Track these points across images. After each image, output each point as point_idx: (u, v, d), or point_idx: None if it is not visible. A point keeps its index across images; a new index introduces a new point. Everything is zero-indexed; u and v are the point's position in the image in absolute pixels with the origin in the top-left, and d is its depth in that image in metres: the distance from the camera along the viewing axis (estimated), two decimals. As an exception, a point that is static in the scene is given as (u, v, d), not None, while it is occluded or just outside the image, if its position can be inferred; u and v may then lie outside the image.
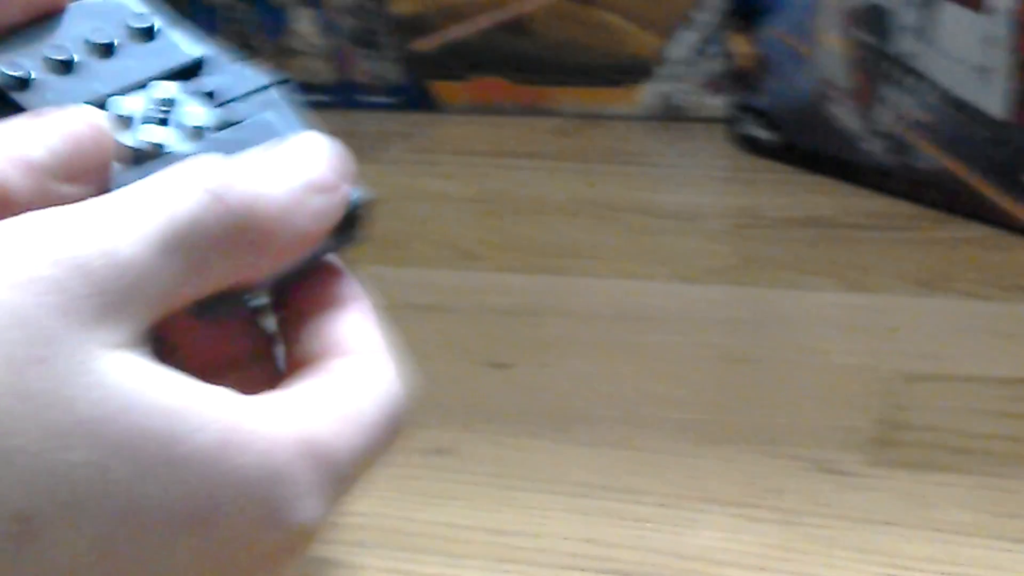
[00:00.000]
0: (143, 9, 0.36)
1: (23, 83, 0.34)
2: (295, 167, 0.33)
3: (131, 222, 0.28)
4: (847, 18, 0.96)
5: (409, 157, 1.12)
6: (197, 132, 0.34)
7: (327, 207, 0.33)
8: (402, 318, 0.80)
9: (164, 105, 0.34)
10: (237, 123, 0.34)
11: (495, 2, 1.19)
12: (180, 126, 0.34)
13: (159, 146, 0.33)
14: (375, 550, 0.57)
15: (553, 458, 0.64)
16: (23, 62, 0.34)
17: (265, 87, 0.36)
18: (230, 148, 0.33)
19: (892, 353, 0.73)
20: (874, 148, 0.96)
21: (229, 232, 0.30)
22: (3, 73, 0.34)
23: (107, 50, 0.35)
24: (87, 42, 0.35)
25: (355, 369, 0.33)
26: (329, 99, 1.24)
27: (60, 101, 0.33)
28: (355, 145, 1.17)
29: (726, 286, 0.83)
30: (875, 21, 0.94)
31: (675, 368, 0.72)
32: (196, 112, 0.34)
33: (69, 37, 0.35)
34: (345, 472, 0.31)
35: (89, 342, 0.27)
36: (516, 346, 0.76)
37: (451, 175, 1.06)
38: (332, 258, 0.35)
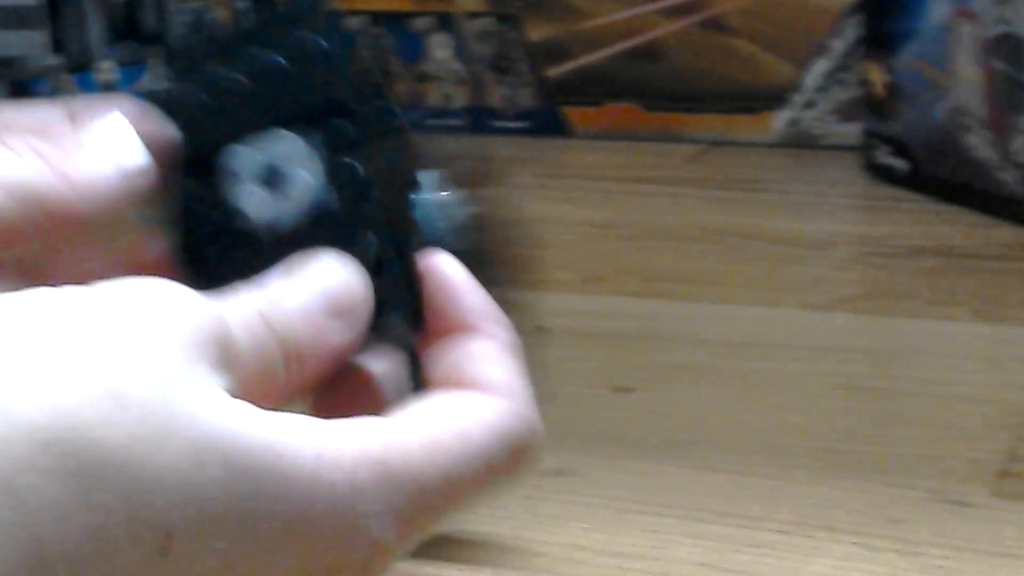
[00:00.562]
0: None
1: None
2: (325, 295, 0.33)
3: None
4: (983, 47, 0.95)
5: (540, 182, 1.13)
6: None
7: (354, 326, 0.33)
8: (530, 341, 0.81)
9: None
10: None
11: (628, 29, 1.20)
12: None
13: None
14: (494, 569, 0.57)
15: (673, 482, 0.64)
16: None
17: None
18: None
19: (1020, 385, 0.72)
20: (1008, 178, 0.95)
21: (274, 361, 0.32)
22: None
23: None
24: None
25: (473, 400, 0.32)
26: (462, 123, 1.26)
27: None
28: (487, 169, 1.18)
29: (854, 315, 0.83)
30: (1012, 50, 0.93)
31: (800, 396, 0.72)
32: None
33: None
34: (431, 496, 0.30)
35: (209, 379, 0.29)
36: (640, 371, 0.76)
37: (581, 200, 1.07)
38: (452, 264, 0.35)
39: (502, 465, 0.32)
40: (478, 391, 0.33)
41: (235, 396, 0.29)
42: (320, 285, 0.32)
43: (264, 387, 0.31)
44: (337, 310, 0.32)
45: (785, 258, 0.92)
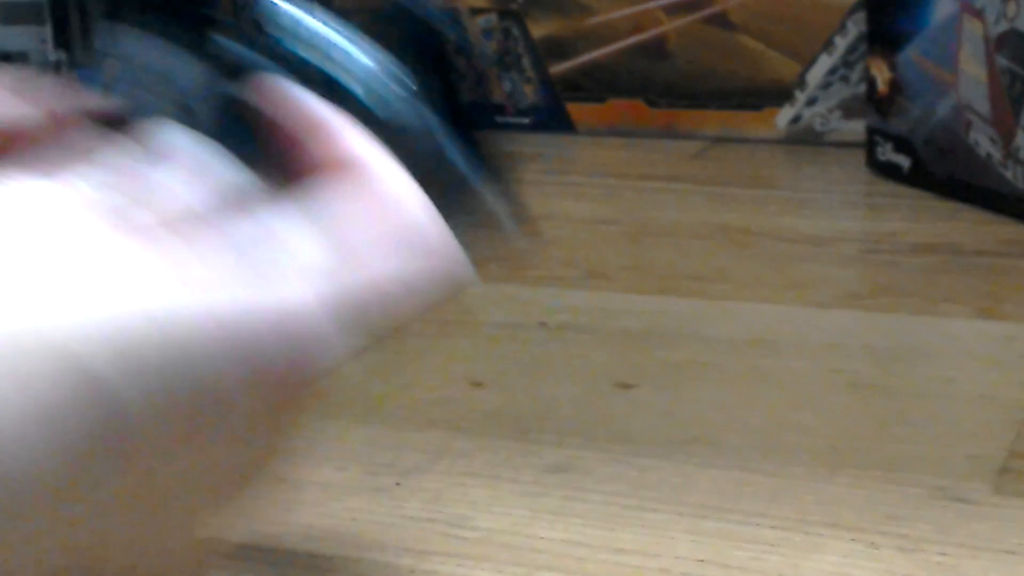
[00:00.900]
0: None
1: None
2: None
3: None
4: (989, 45, 0.95)
5: (544, 178, 1.13)
6: None
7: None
8: (532, 336, 0.80)
9: None
10: None
11: (633, 25, 1.20)
12: None
13: None
14: (494, 565, 0.57)
15: (675, 479, 0.64)
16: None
17: None
18: None
19: (1023, 383, 0.72)
20: (1012, 175, 0.95)
21: None
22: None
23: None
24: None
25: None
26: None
27: None
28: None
29: (858, 312, 0.83)
30: (1016, 47, 0.93)
31: (802, 394, 0.72)
32: None
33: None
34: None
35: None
36: (643, 367, 0.76)
37: (585, 196, 1.07)
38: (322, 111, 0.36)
39: None
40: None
41: None
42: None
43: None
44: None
45: (788, 255, 0.92)
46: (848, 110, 1.14)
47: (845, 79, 1.14)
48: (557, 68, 1.23)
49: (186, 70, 0.35)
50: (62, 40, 1.21)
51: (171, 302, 0.29)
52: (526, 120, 1.24)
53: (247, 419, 0.30)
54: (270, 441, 0.32)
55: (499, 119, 1.25)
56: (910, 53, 1.02)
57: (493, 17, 1.24)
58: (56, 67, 1.21)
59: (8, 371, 0.26)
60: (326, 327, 0.32)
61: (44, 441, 0.27)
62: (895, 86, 1.04)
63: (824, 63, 1.15)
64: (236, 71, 0.36)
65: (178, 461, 0.29)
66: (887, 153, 1.05)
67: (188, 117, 0.34)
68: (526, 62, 1.24)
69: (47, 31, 1.20)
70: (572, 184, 1.11)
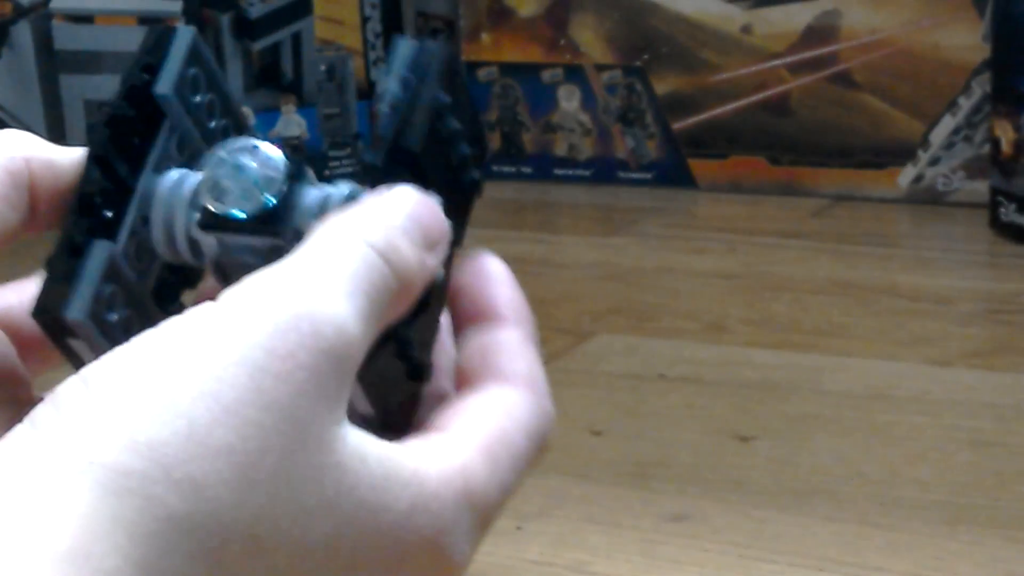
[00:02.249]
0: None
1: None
2: (419, 225, 0.34)
3: (342, 293, 0.31)
4: (1114, 105, 0.94)
5: (665, 232, 1.14)
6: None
7: (440, 257, 0.35)
8: (651, 387, 0.81)
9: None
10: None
11: (756, 83, 1.21)
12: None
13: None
14: (614, 609, 0.58)
15: (794, 531, 0.64)
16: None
17: None
18: None
19: None
20: None
21: (397, 296, 0.33)
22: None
23: None
24: None
25: (511, 402, 0.35)
26: (589, 174, 1.27)
27: None
28: (614, 219, 1.21)
29: (979, 371, 0.83)
30: None
31: (923, 449, 0.72)
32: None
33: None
34: (494, 511, 0.34)
35: (332, 423, 0.31)
36: (762, 420, 0.76)
37: (706, 251, 1.07)
38: (496, 263, 0.37)
39: (534, 462, 0.35)
40: (508, 385, 0.35)
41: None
42: (416, 215, 0.34)
43: (386, 317, 0.33)
44: (431, 240, 0.34)
45: (909, 312, 0.92)
46: (971, 170, 1.14)
47: (969, 139, 1.14)
48: (680, 124, 1.24)
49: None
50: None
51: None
52: (648, 175, 1.25)
53: None
54: None
55: (622, 174, 1.26)
56: (1035, 114, 1.01)
57: (618, 73, 1.25)
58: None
59: None
60: None
61: None
62: (1020, 147, 1.03)
63: (948, 123, 1.15)
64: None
65: None
66: (1010, 214, 1.05)
67: None
68: (649, 118, 1.25)
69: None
70: (693, 239, 1.12)
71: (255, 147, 0.34)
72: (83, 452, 0.28)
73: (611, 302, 0.97)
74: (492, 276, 0.37)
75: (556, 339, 0.87)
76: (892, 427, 0.75)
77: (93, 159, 0.34)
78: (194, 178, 0.35)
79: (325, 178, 0.35)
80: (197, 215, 0.34)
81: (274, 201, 0.34)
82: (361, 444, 0.31)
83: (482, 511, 0.33)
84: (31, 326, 0.33)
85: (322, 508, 0.30)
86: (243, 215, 0.34)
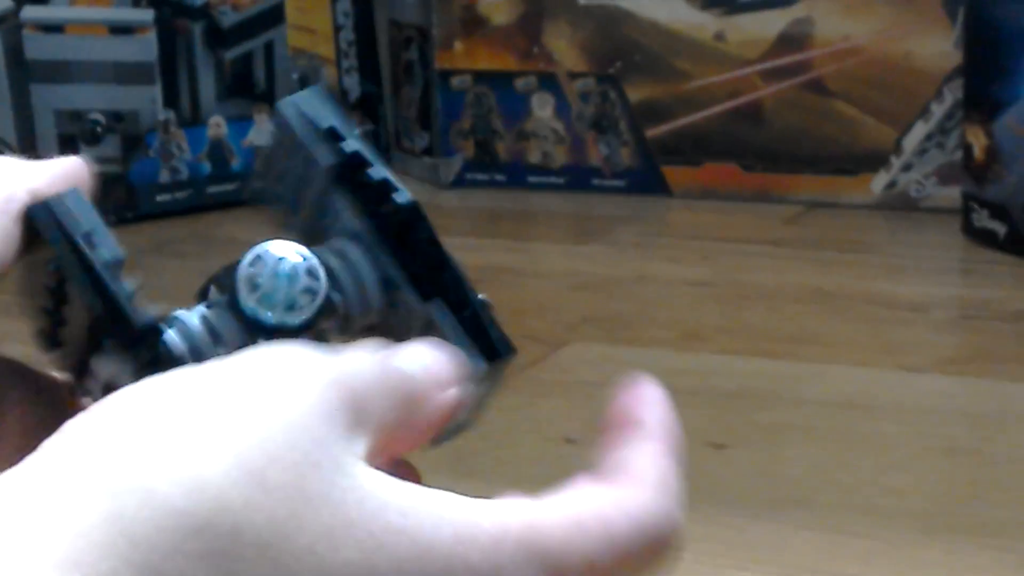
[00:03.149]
0: None
1: None
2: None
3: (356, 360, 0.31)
4: (1085, 112, 0.95)
5: (639, 240, 1.14)
6: None
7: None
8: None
9: None
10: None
11: (730, 90, 1.21)
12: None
13: None
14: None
15: (769, 539, 0.64)
16: None
17: None
18: None
19: (1121, 450, 0.72)
20: (1111, 243, 0.95)
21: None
22: None
23: None
24: None
25: (619, 490, 0.33)
26: (563, 181, 1.27)
27: None
28: (588, 227, 1.21)
29: (953, 377, 0.83)
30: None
31: (898, 457, 0.72)
32: None
33: None
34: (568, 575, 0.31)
35: (347, 452, 0.30)
36: (736, 428, 0.76)
37: (680, 259, 1.07)
38: (650, 384, 0.36)
39: (641, 556, 0.32)
40: (627, 483, 0.33)
41: (373, 455, 0.30)
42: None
43: (399, 438, 0.32)
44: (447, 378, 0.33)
45: (883, 320, 0.92)
46: (944, 176, 1.15)
47: (941, 146, 1.15)
48: (654, 132, 1.24)
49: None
50: (172, 100, 1.24)
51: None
52: (622, 183, 1.25)
53: None
54: None
55: (595, 181, 1.26)
56: (1007, 120, 1.02)
57: (591, 81, 1.25)
58: (164, 126, 1.24)
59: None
60: None
61: None
62: (992, 153, 1.04)
63: (920, 130, 1.15)
64: None
65: None
66: (983, 220, 1.05)
67: None
68: (623, 126, 1.25)
69: (157, 91, 1.23)
70: (667, 247, 1.12)
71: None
72: (85, 462, 0.28)
73: (585, 311, 0.96)
74: (645, 398, 0.36)
75: (530, 348, 0.86)
76: (867, 435, 0.75)
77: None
78: None
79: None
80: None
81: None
82: (386, 477, 0.30)
83: (551, 567, 0.30)
84: None
85: (345, 528, 0.29)
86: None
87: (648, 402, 0.36)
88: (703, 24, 1.21)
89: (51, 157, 0.36)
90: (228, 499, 0.28)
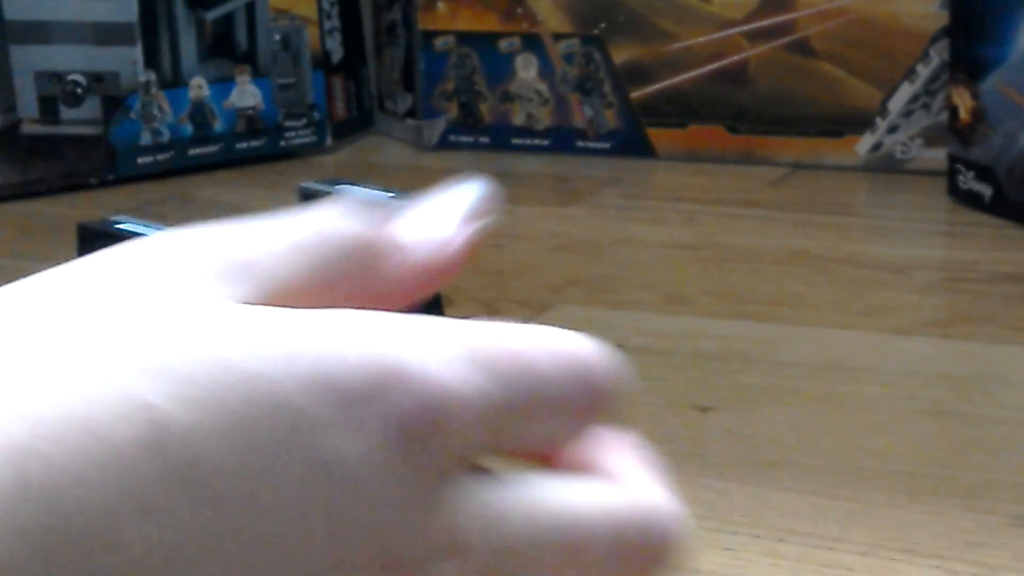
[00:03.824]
0: None
1: None
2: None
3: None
4: (1071, 73, 0.94)
5: (623, 202, 1.14)
6: None
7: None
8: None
9: None
10: None
11: (714, 51, 1.20)
12: None
13: None
14: None
15: (754, 502, 0.64)
16: None
17: None
18: None
19: (1105, 412, 0.72)
20: (1095, 205, 0.95)
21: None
22: None
23: None
24: None
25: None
26: (547, 144, 1.26)
27: None
28: (572, 189, 1.20)
29: (936, 339, 0.83)
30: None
31: (881, 419, 0.72)
32: None
33: None
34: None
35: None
36: (721, 390, 0.76)
37: (664, 221, 1.07)
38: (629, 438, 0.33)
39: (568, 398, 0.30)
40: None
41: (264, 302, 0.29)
42: None
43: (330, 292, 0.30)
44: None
45: (867, 282, 0.92)
46: (929, 138, 1.14)
47: (927, 107, 1.14)
48: (638, 93, 1.24)
49: None
50: (152, 61, 1.23)
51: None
52: (606, 145, 1.25)
53: None
54: None
55: (580, 143, 1.25)
56: (993, 82, 1.01)
57: (575, 42, 1.25)
58: (146, 87, 1.23)
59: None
60: None
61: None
62: (977, 114, 1.03)
63: (906, 91, 1.15)
64: None
65: None
66: (968, 182, 1.05)
67: None
68: (607, 87, 1.24)
69: (137, 52, 1.22)
70: (651, 209, 1.11)
71: None
72: None
73: (569, 273, 0.96)
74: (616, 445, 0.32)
75: (514, 311, 0.86)
76: (850, 397, 0.75)
77: None
78: None
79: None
80: None
81: None
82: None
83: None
84: None
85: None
86: None
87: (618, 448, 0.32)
88: (688, -15, 1.20)
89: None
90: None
